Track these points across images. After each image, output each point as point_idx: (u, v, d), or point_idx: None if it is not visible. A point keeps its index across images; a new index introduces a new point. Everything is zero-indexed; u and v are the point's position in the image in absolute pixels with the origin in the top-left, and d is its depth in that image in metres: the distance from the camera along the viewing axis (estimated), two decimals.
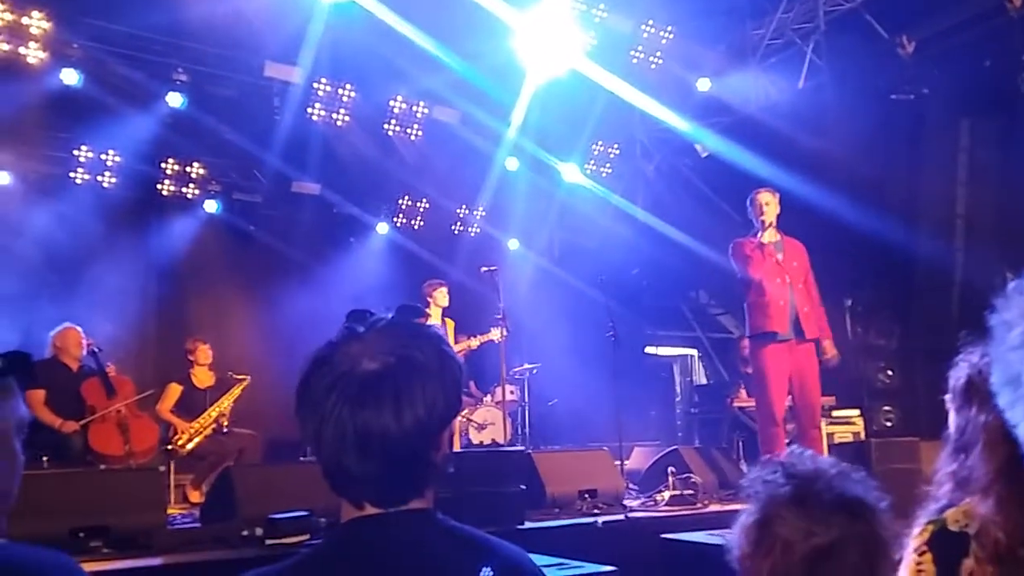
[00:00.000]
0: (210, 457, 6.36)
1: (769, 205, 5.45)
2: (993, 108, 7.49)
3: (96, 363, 6.10)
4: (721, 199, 9.63)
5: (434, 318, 7.03)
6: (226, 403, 6.61)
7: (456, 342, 7.23)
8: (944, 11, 7.51)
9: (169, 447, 6.28)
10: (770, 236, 5.42)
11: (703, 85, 8.99)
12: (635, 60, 8.41)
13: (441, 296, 7.08)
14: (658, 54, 8.44)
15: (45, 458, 5.64)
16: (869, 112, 7.75)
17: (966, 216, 8.02)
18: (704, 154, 9.56)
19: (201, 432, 6.41)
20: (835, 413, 6.93)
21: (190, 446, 6.33)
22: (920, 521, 1.44)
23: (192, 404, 6.57)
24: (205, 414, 6.48)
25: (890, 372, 7.47)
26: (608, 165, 10.09)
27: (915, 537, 1.40)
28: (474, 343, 7.26)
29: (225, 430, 6.52)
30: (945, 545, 1.31)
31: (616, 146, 10.08)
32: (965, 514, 1.34)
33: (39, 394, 5.78)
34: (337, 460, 1.09)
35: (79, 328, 6.13)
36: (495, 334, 7.27)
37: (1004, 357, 0.65)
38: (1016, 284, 0.67)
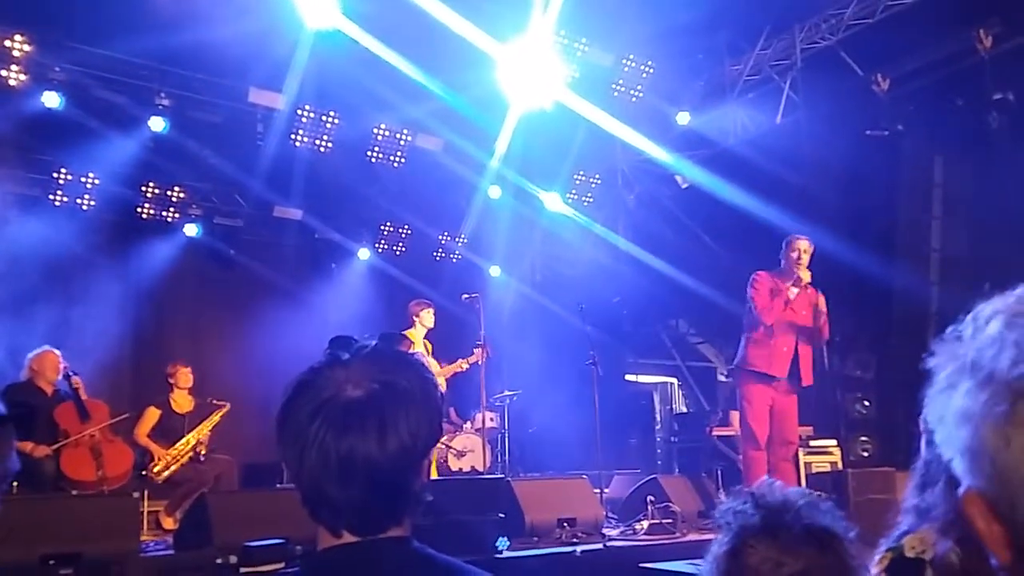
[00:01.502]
0: (186, 484, 6.27)
1: (807, 253, 5.50)
2: (966, 145, 7.67)
3: (70, 386, 6.02)
4: (700, 229, 9.75)
5: (416, 338, 7.01)
6: (204, 430, 6.53)
7: (440, 365, 7.22)
8: (918, 50, 7.71)
9: (144, 473, 6.19)
10: (797, 285, 5.48)
11: (683, 118, 9.14)
12: (616, 93, 8.53)
13: (427, 317, 7.07)
14: (639, 87, 8.57)
15: (15, 483, 5.54)
16: (845, 147, 7.91)
17: (941, 250, 8.17)
18: (684, 185, 9.69)
19: (178, 460, 6.32)
20: (812, 443, 6.96)
21: (165, 474, 6.24)
22: (880, 549, 1.46)
23: (170, 429, 6.48)
24: (183, 441, 6.40)
25: (867, 403, 7.53)
26: (589, 194, 10.18)
27: (875, 565, 1.42)
28: (464, 365, 7.23)
29: (202, 458, 6.44)
30: (902, 572, 1.34)
31: (597, 176, 10.18)
32: (922, 540, 1.36)
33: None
34: (318, 486, 1.09)
35: (57, 352, 6.06)
36: (477, 356, 7.27)
37: (935, 398, 0.69)
38: (952, 329, 0.71)
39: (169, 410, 6.55)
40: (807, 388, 5.62)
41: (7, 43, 6.85)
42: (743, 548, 1.17)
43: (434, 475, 6.74)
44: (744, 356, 5.58)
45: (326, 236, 9.62)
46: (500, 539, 4.30)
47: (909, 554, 1.27)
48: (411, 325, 7.04)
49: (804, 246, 5.53)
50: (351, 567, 1.12)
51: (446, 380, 7.24)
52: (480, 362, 7.21)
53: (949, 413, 0.66)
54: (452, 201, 9.93)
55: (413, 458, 1.12)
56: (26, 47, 6.92)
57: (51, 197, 7.84)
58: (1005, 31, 7.02)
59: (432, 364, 7.07)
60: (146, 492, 6.15)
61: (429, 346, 7.23)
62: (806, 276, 5.45)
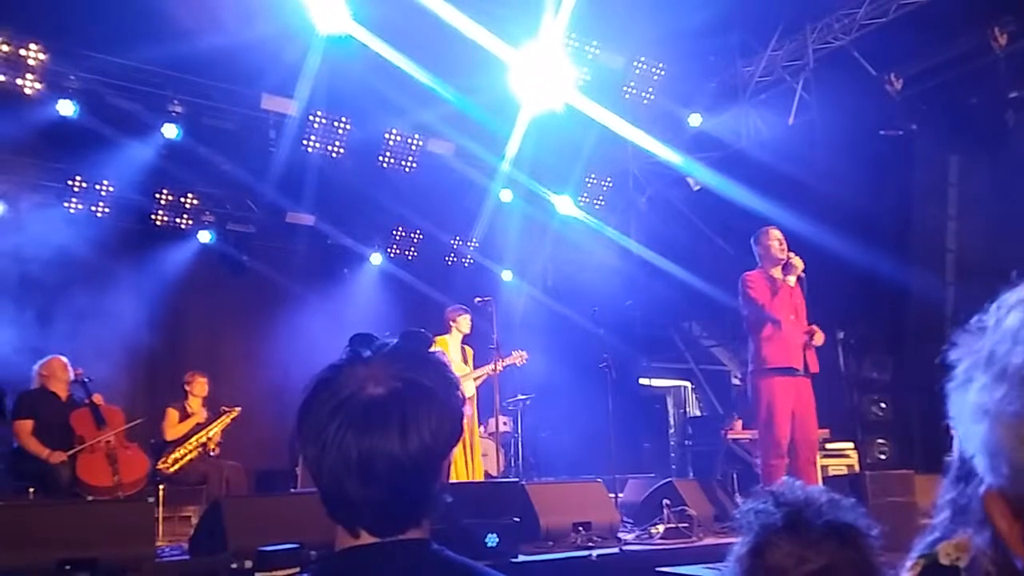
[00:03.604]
0: (209, 479, 6.28)
1: (783, 242, 5.46)
2: (981, 144, 7.60)
3: (85, 393, 6.05)
4: (713, 231, 9.70)
5: (454, 344, 7.02)
6: (214, 430, 6.55)
7: (475, 368, 7.22)
8: (931, 49, 7.66)
9: (157, 468, 6.21)
10: (779, 272, 5.45)
11: (694, 120, 9.10)
12: (627, 95, 8.52)
13: (464, 323, 7.08)
14: (650, 90, 8.55)
15: (32, 489, 5.57)
16: (858, 148, 7.85)
17: (956, 250, 8.09)
18: (696, 187, 9.65)
19: (186, 456, 6.34)
20: (829, 446, 6.90)
21: (175, 467, 6.26)
22: (913, 555, 1.43)
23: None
24: (194, 438, 6.43)
25: (883, 405, 7.47)
26: (601, 197, 10.16)
27: (907, 571, 1.39)
28: (500, 366, 7.22)
29: (211, 454, 6.47)
30: None
31: (609, 179, 10.16)
32: (957, 547, 1.33)
33: (27, 424, 5.73)
34: (338, 486, 1.07)
35: (63, 357, 6.10)
36: (516, 358, 7.27)
37: (954, 393, 0.67)
38: (976, 319, 0.69)
39: (185, 414, 6.58)
40: (819, 383, 5.53)
41: (22, 52, 6.92)
42: (765, 546, 1.16)
43: (463, 477, 6.71)
44: (760, 356, 5.38)
45: (338, 241, 9.65)
46: (489, 536, 4.28)
47: (944, 561, 1.25)
48: (447, 331, 7.04)
49: (780, 234, 5.49)
50: (369, 568, 1.10)
51: (476, 385, 7.23)
52: (519, 364, 7.22)
53: (965, 409, 0.64)
54: (464, 205, 9.94)
55: (434, 458, 1.10)
56: (41, 56, 6.98)
57: (66, 205, 7.90)
58: (1020, 29, 6.96)
59: (467, 368, 7.07)
60: (162, 497, 6.16)
61: (470, 351, 7.21)
62: (800, 263, 5.40)
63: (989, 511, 0.66)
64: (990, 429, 0.62)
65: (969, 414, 0.65)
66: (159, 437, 6.51)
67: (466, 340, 7.31)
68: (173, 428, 6.46)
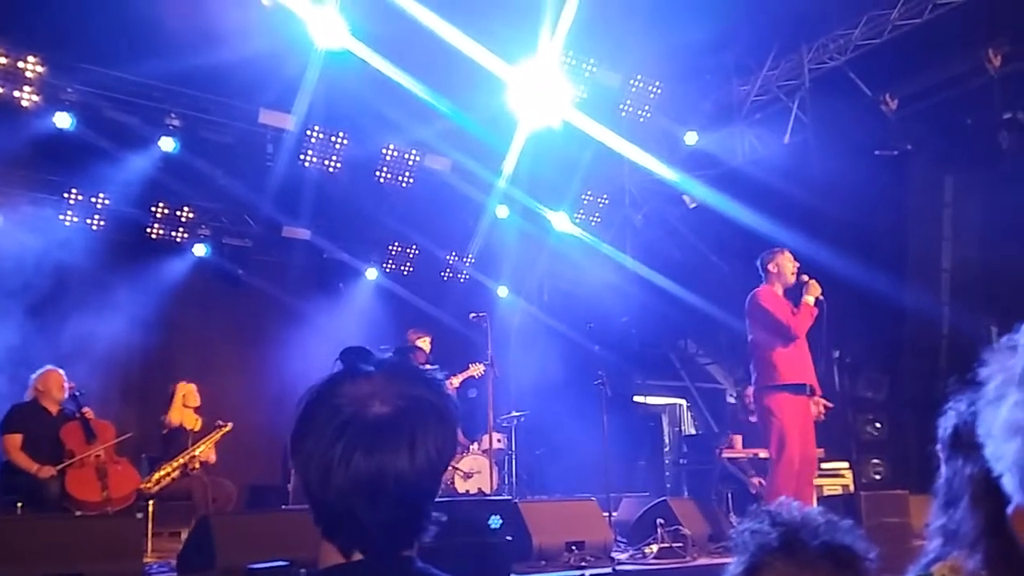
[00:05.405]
0: (193, 488, 6.19)
1: (796, 265, 5.47)
2: (975, 164, 7.64)
3: (76, 407, 6.00)
4: (709, 249, 9.72)
5: None
6: (201, 448, 6.46)
7: None
8: (926, 70, 7.72)
9: (140, 488, 6.12)
10: (812, 294, 5.42)
11: (690, 138, 9.14)
12: (624, 113, 8.56)
13: (424, 346, 7.09)
14: (646, 107, 8.59)
15: (20, 503, 5.51)
16: (854, 167, 7.88)
17: (951, 270, 8.11)
18: (692, 205, 9.68)
19: (169, 475, 6.24)
20: (824, 465, 6.87)
21: (156, 488, 6.17)
22: None
23: (173, 442, 6.42)
24: (182, 455, 6.33)
25: (878, 424, 7.46)
26: (597, 214, 10.18)
27: None
28: (456, 381, 7.24)
29: (190, 472, 6.36)
30: None
31: (605, 196, 10.19)
32: (952, 569, 1.33)
33: (16, 438, 5.67)
34: (346, 506, 1.06)
35: (61, 371, 6.04)
36: (475, 370, 7.27)
37: (985, 410, 0.66)
38: (1006, 338, 0.68)
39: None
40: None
41: (20, 64, 6.93)
42: (761, 566, 1.16)
43: None
44: (775, 373, 5.24)
45: (334, 256, 9.65)
46: (492, 517, 4.28)
47: None
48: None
49: (791, 257, 5.50)
50: None
51: None
52: (477, 376, 7.21)
53: (997, 426, 0.63)
54: (460, 221, 9.95)
55: (436, 473, 1.11)
56: (39, 68, 6.99)
57: (61, 217, 7.88)
58: (1014, 50, 7.01)
59: None
60: (151, 513, 6.09)
61: None
62: (817, 286, 5.39)
63: (1018, 529, 0.64)
64: (1023, 446, 0.61)
65: (1001, 431, 0.63)
66: (152, 447, 6.43)
67: (462, 356, 7.31)
68: (177, 410, 6.42)
